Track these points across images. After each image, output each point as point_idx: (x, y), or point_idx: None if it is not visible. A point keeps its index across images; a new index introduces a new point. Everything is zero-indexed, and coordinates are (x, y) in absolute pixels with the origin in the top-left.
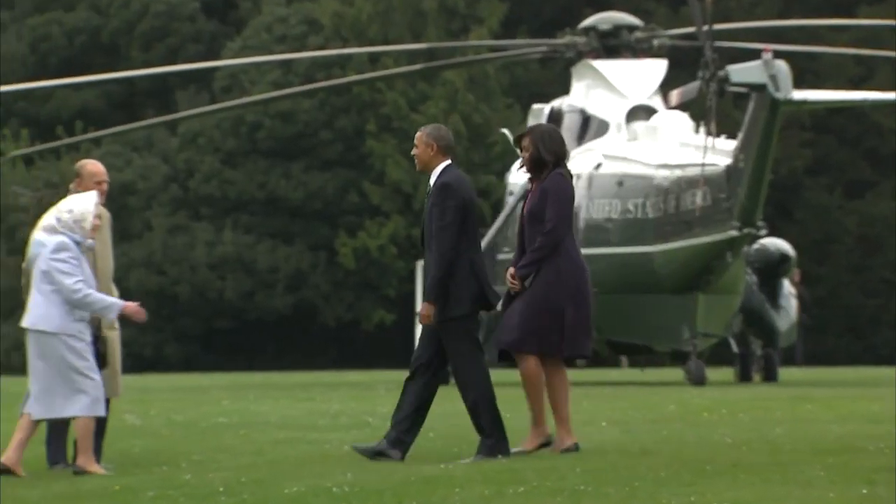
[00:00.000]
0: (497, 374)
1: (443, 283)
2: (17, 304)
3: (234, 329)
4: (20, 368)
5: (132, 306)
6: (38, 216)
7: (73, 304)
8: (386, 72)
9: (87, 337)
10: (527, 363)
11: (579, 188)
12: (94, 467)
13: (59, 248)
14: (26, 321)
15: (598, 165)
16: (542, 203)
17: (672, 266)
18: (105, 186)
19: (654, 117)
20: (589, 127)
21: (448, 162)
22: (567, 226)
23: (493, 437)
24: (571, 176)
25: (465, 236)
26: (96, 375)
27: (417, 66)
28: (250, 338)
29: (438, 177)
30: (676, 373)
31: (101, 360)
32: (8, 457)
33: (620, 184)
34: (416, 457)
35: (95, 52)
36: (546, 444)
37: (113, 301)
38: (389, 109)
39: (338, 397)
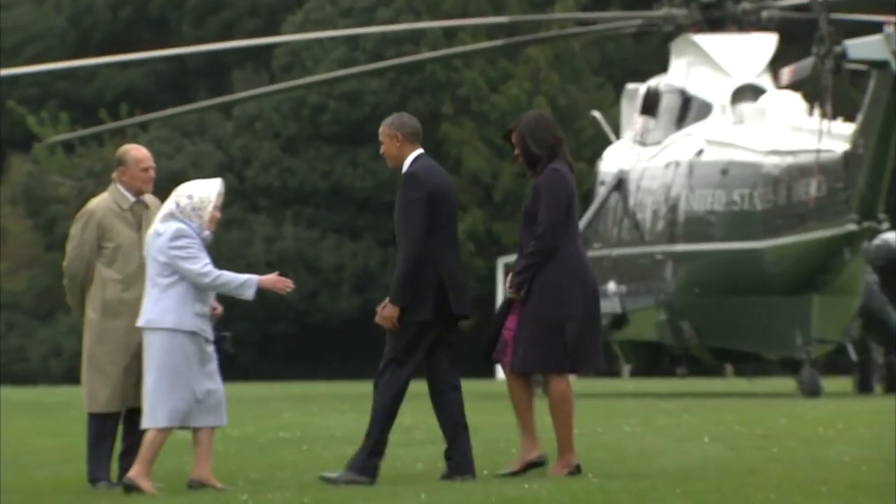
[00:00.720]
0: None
1: (408, 282)
2: (56, 306)
3: (296, 334)
4: (59, 377)
5: (271, 278)
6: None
7: (205, 289)
8: (463, 48)
9: (209, 334)
10: (556, 384)
11: (679, 176)
12: (146, 483)
13: (178, 236)
14: (141, 320)
15: (700, 152)
16: (536, 202)
17: (783, 264)
18: (151, 174)
19: (763, 98)
20: (690, 109)
21: (419, 151)
22: (564, 227)
23: (370, 456)
24: (573, 167)
25: (435, 233)
26: (198, 383)
27: (498, 42)
28: (313, 343)
29: (407, 168)
30: (788, 383)
31: (230, 359)
32: (197, 472)
33: (725, 172)
34: (496, 475)
35: (142, 27)
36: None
37: (248, 277)
38: (467, 90)
39: (410, 410)
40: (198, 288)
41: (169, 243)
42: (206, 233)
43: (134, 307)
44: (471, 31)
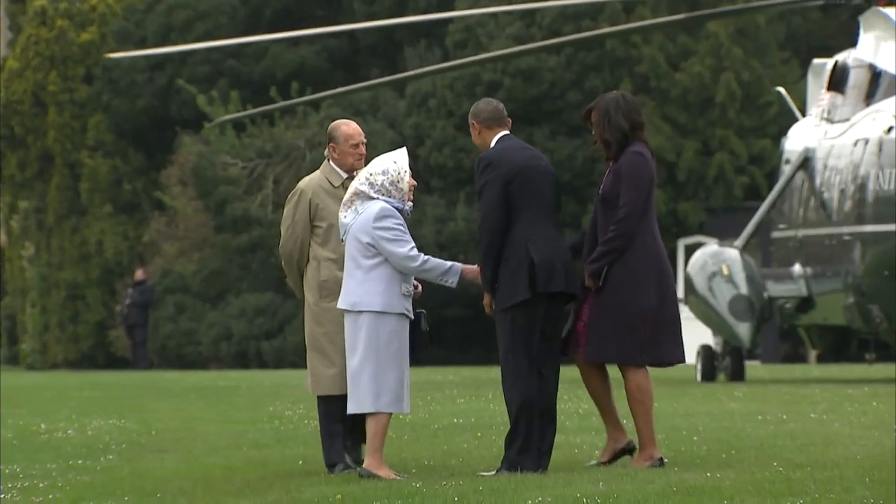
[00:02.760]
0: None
1: (488, 267)
2: (226, 289)
3: (469, 318)
4: (229, 361)
5: (474, 269)
6: (247, 189)
7: (409, 273)
8: (642, 23)
9: (412, 314)
10: (633, 376)
11: (867, 155)
12: (384, 471)
13: (383, 215)
14: (343, 302)
15: (890, 129)
16: (616, 186)
17: None
18: (362, 150)
19: None
20: (879, 85)
21: (502, 133)
22: (644, 212)
23: (521, 450)
24: (652, 152)
25: (522, 211)
26: (405, 365)
27: (679, 17)
28: (487, 327)
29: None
30: None
31: (427, 337)
32: (368, 462)
33: None
34: (677, 463)
35: (314, 4)
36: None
37: (452, 264)
38: (646, 67)
39: (587, 395)
40: (401, 271)
41: (373, 223)
42: (409, 205)
43: None
44: (650, 6)
